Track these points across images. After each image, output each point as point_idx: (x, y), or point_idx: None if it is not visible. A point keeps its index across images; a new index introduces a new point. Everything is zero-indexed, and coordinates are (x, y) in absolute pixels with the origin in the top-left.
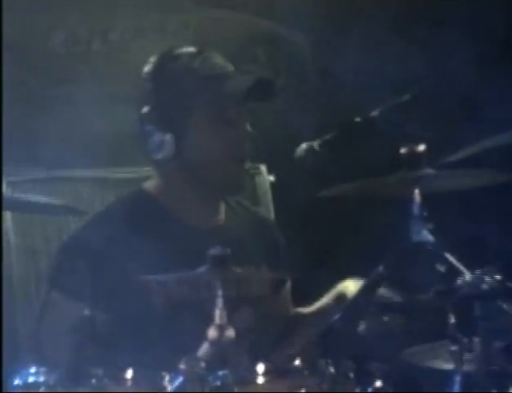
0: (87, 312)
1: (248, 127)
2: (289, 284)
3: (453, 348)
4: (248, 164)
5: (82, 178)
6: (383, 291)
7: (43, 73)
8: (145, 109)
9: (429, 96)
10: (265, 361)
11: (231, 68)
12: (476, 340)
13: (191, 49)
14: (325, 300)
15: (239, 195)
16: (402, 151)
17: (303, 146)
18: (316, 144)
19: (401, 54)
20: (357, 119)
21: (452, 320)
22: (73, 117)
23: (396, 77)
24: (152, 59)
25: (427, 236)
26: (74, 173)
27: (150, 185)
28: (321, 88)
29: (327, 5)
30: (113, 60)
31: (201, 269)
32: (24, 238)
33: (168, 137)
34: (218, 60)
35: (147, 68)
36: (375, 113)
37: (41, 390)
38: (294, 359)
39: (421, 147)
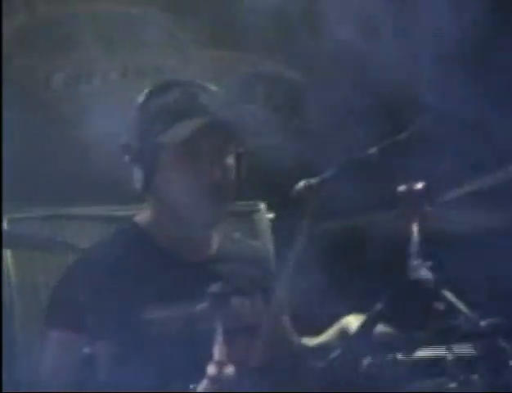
0: (86, 350)
1: (225, 163)
2: (286, 314)
3: (452, 385)
4: (223, 205)
5: (81, 216)
6: (381, 328)
7: (45, 112)
8: (123, 140)
9: (427, 134)
10: None
11: (202, 103)
12: (475, 377)
13: (174, 81)
14: (328, 334)
15: (205, 233)
16: (401, 188)
17: (302, 183)
18: (314, 182)
19: (396, 90)
20: (356, 157)
21: (451, 357)
22: (73, 156)
23: (394, 114)
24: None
25: (426, 273)
26: (73, 211)
27: (140, 218)
28: (320, 127)
29: (325, 46)
30: (113, 99)
31: (201, 306)
32: (25, 275)
33: (139, 170)
34: (192, 94)
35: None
36: (373, 150)
37: None
38: None
39: (420, 185)
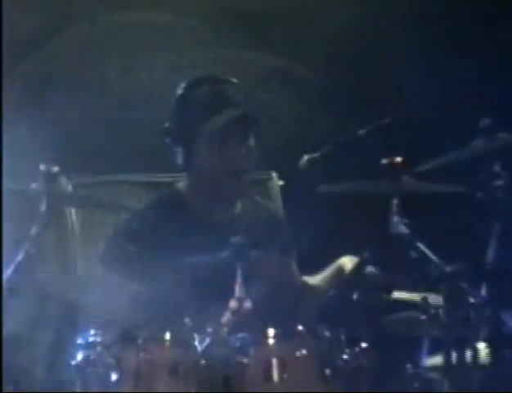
0: (134, 286)
1: (248, 144)
2: (294, 261)
3: (423, 317)
4: (247, 177)
5: (132, 182)
6: (369, 271)
7: (101, 99)
8: (166, 124)
9: (406, 119)
10: (274, 326)
11: (230, 96)
12: (441, 311)
13: (205, 77)
14: (327, 272)
15: (235, 201)
16: (384, 161)
17: (306, 157)
18: (316, 156)
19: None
20: (349, 136)
21: (422, 296)
22: (127, 135)
23: (381, 104)
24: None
25: (403, 228)
26: (125, 178)
27: (179, 185)
28: (322, 113)
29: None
30: (156, 88)
31: (225, 254)
32: (86, 229)
33: (179, 150)
34: (221, 89)
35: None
36: (362, 131)
37: (98, 349)
38: (297, 325)
39: (399, 159)
